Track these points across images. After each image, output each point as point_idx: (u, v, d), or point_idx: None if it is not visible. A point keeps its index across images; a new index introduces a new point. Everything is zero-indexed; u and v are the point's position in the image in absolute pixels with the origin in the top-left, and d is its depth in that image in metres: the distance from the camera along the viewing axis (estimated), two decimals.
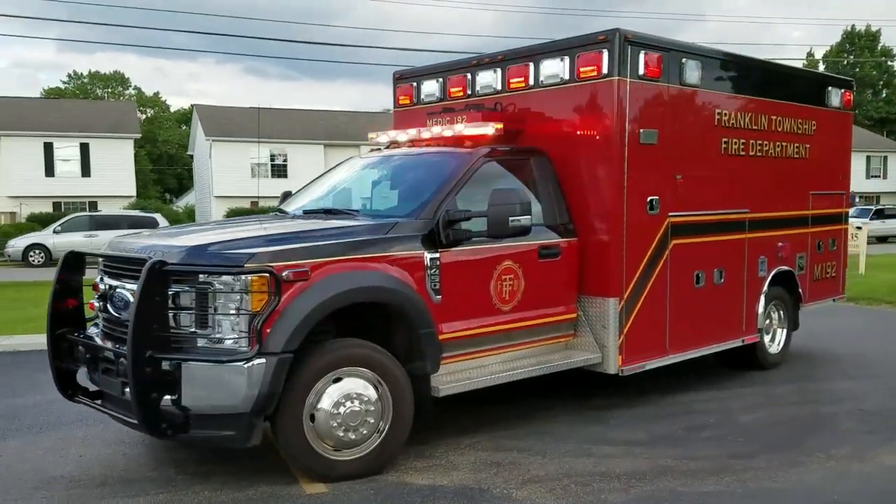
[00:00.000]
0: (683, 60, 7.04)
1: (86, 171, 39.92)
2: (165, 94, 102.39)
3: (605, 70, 6.52)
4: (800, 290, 8.82)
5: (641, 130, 6.69)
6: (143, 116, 77.11)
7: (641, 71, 6.64)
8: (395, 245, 5.39)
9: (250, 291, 4.64)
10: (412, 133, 7.07)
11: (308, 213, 6.24)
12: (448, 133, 6.68)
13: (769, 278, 8.30)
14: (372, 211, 6.09)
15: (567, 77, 6.76)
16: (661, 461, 5.52)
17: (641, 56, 6.63)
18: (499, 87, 7.26)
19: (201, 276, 4.71)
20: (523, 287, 6.17)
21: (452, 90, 7.65)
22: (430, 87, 7.86)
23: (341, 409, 4.96)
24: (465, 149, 6.42)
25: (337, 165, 7.44)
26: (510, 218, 5.54)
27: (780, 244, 8.43)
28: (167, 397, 4.65)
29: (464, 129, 6.59)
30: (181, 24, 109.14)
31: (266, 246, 4.92)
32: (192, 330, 4.75)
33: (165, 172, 77.53)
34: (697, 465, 5.46)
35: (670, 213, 7.03)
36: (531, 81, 7.01)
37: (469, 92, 7.50)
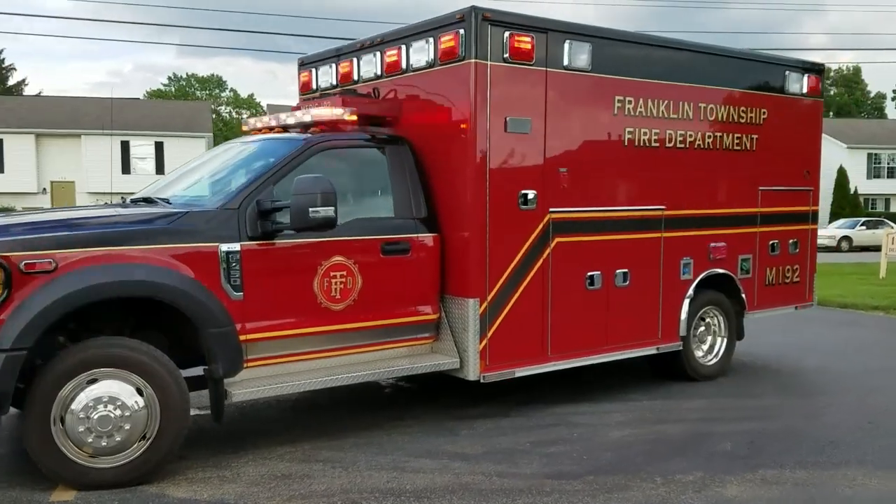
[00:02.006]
0: (567, 42, 6.45)
1: (160, 168, 41.21)
2: (280, 97, 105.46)
3: (461, 52, 6.03)
4: (743, 296, 8.04)
5: (509, 118, 6.16)
6: (238, 117, 79.51)
7: (507, 53, 6.11)
8: (178, 236, 5.05)
9: None
10: (265, 119, 6.74)
11: (134, 202, 5.98)
12: (298, 119, 6.30)
13: (696, 282, 7.58)
14: (184, 200, 5.75)
15: (431, 60, 6.30)
16: (467, 478, 5.02)
17: (506, 37, 6.09)
18: (378, 73, 6.85)
19: None
20: (360, 285, 5.75)
21: (343, 76, 7.27)
22: (325, 73, 7.50)
23: (92, 414, 4.64)
24: (301, 135, 6.04)
25: (208, 151, 7.17)
26: (310, 209, 5.13)
27: (712, 244, 7.69)
28: None
29: (313, 114, 6.19)
30: (290, 28, 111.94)
31: (9, 235, 4.67)
32: None
33: None
34: (504, 483, 4.94)
35: (552, 209, 6.47)
36: (403, 65, 6.57)
37: (355, 77, 7.11)
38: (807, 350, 9.54)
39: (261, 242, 5.33)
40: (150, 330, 5.30)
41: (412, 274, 6.04)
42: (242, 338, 5.24)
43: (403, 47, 6.54)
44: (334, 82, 7.35)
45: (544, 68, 6.35)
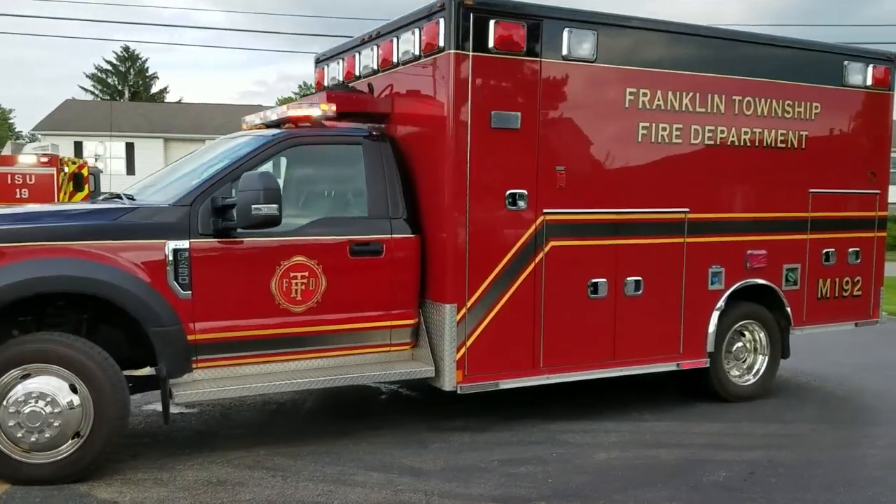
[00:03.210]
0: (566, 30, 5.97)
1: None
2: None
3: (440, 42, 5.68)
4: (788, 310, 7.25)
5: (494, 113, 5.75)
6: None
7: (492, 43, 5.69)
8: (122, 233, 4.96)
9: None
10: (258, 116, 6.58)
11: (109, 198, 5.95)
12: (280, 116, 6.10)
13: (728, 293, 6.88)
14: (147, 196, 5.62)
15: (417, 53, 5.97)
16: (405, 496, 4.66)
17: (491, 25, 5.68)
18: (375, 67, 6.58)
19: None
20: (325, 286, 5.49)
21: (347, 72, 7.05)
22: (334, 70, 7.31)
23: (23, 409, 4.60)
24: (271, 131, 5.84)
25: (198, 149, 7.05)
26: (253, 206, 4.93)
27: (749, 252, 6.97)
28: None
29: (290, 110, 5.99)
30: None
31: None
32: None
33: None
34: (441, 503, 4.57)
35: (546, 210, 6.00)
36: (394, 59, 6.28)
37: (357, 73, 6.87)
38: (879, 371, 8.58)
39: (213, 240, 5.16)
40: (111, 327, 5.23)
41: (386, 276, 5.73)
42: (191, 338, 5.08)
43: (395, 40, 6.25)
44: (341, 79, 7.13)
45: (538, 59, 5.90)
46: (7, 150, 22.57)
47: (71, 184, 21.42)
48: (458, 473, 5.07)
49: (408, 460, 5.31)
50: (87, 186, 21.89)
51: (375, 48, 6.54)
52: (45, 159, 21.53)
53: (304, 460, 5.26)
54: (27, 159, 21.46)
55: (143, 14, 71.34)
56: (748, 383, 7.23)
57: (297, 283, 5.40)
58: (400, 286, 5.78)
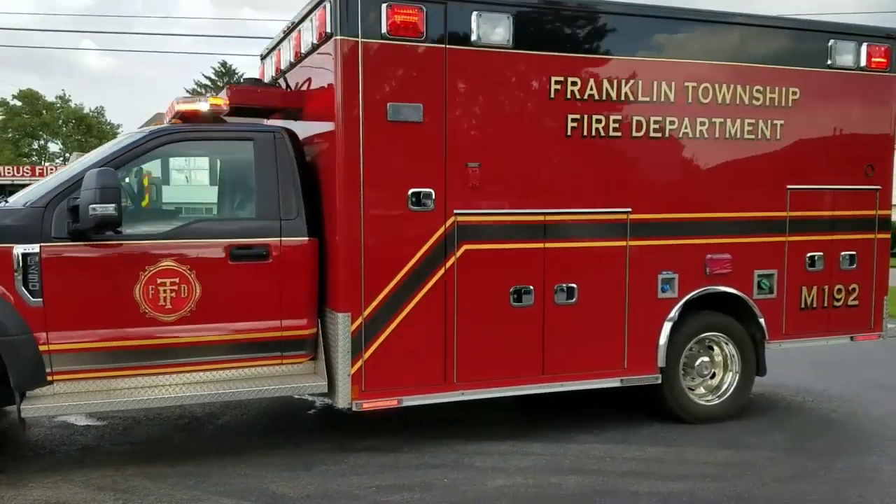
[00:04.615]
0: (475, 14, 5.44)
1: None
2: None
3: (328, 28, 5.25)
4: (761, 321, 6.47)
5: (391, 105, 5.28)
6: None
7: (385, 28, 5.22)
8: None
9: None
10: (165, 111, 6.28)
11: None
12: (174, 110, 5.78)
13: (682, 301, 6.18)
14: (15, 199, 5.38)
15: (315, 42, 5.56)
16: None
17: (384, 9, 5.21)
18: (292, 60, 6.20)
19: None
20: (199, 294, 5.12)
21: (276, 67, 6.69)
22: (269, 66, 6.98)
23: None
24: (152, 127, 5.52)
25: None
26: (90, 206, 4.60)
27: (709, 256, 6.25)
28: None
29: (176, 105, 5.65)
30: None
31: None
32: None
33: None
34: None
35: (458, 211, 5.48)
36: (302, 51, 5.89)
37: (282, 67, 6.51)
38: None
39: (67, 244, 4.87)
40: None
41: (274, 283, 5.32)
42: (44, 349, 4.80)
43: (301, 31, 5.86)
44: (273, 74, 6.78)
45: (443, 45, 5.39)
46: (73, 160, 23.41)
47: None
48: (322, 501, 4.61)
49: (277, 485, 4.86)
50: (147, 196, 22.42)
51: (291, 40, 6.16)
52: None
53: (166, 482, 4.88)
54: None
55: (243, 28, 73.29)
56: (712, 403, 6.47)
57: (165, 291, 5.05)
58: (291, 293, 5.37)
